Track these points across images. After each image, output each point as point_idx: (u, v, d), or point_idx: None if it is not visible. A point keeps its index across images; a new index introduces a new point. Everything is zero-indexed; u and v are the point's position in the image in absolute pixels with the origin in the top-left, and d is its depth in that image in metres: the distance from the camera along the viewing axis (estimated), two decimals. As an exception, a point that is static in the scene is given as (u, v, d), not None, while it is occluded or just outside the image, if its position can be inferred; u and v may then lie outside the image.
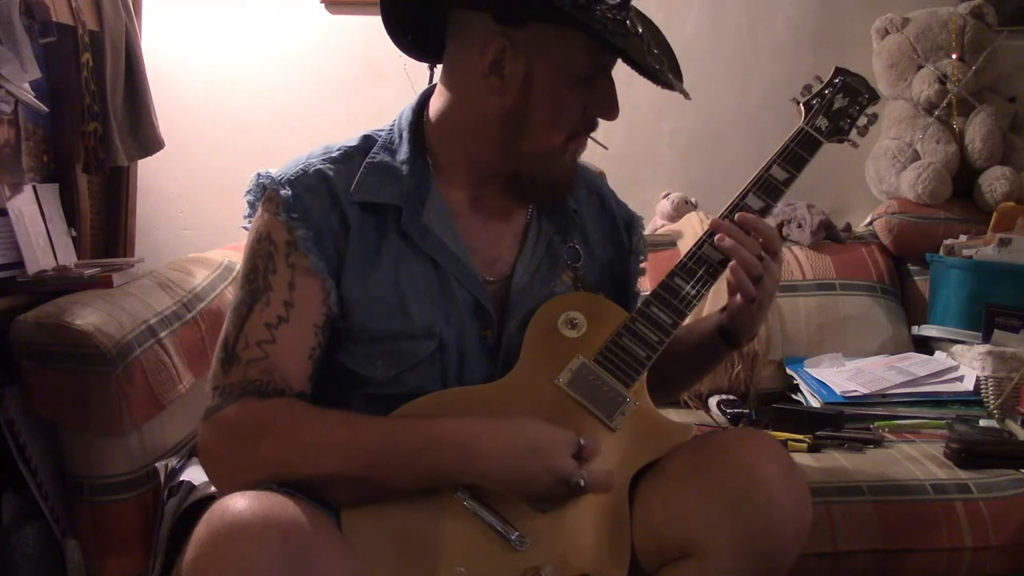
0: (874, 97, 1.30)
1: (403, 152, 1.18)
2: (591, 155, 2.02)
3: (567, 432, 1.07)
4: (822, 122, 1.26)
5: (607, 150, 1.34)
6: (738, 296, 1.19)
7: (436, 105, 1.19)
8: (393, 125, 1.22)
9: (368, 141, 1.20)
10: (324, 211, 1.12)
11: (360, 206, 1.14)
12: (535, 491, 1.06)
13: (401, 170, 1.16)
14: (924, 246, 2.20)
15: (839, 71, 1.30)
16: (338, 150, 1.18)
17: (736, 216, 1.18)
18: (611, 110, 1.15)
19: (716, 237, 1.17)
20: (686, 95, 1.16)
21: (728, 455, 1.09)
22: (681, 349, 1.28)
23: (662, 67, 1.12)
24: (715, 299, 1.80)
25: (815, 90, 1.29)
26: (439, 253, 1.15)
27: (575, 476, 1.04)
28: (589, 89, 1.13)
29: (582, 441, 1.06)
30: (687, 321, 1.19)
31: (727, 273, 1.18)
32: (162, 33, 2.29)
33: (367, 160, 1.17)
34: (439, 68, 1.21)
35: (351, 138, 1.21)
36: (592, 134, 1.19)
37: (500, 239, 1.22)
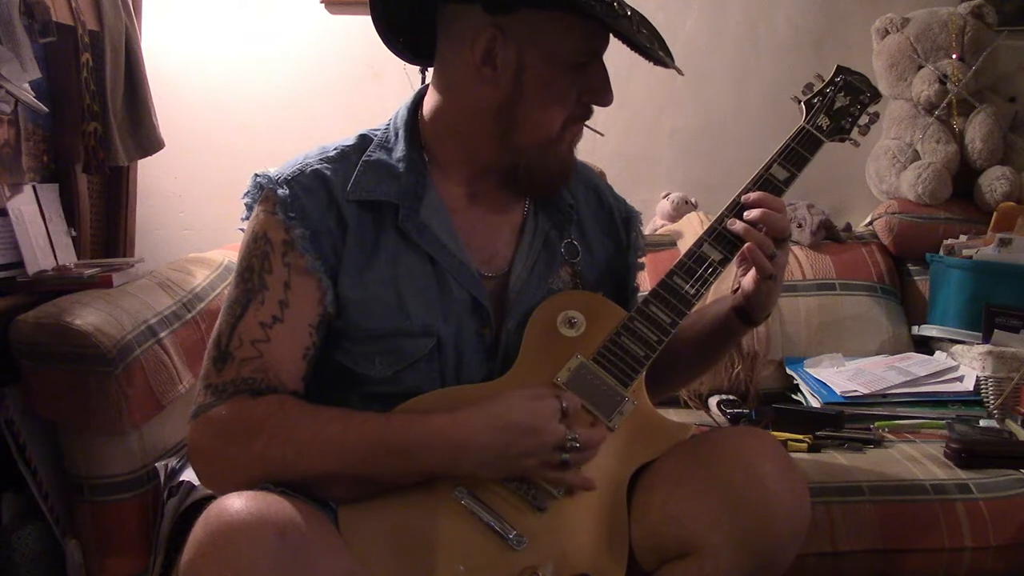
0: (876, 96, 1.30)
1: (399, 150, 1.18)
2: (591, 154, 2.04)
3: (549, 400, 1.07)
4: (823, 121, 1.26)
5: (604, 136, 1.33)
6: (751, 275, 1.19)
7: (430, 102, 1.19)
8: (389, 124, 1.22)
9: (364, 140, 1.20)
10: (321, 211, 1.12)
11: (358, 204, 1.14)
12: (532, 465, 1.06)
13: (398, 167, 1.16)
14: (924, 246, 2.20)
15: (840, 69, 1.30)
16: (335, 150, 1.18)
17: (745, 198, 1.19)
18: (605, 95, 1.15)
19: (728, 221, 1.18)
20: (679, 71, 1.16)
21: (726, 453, 1.09)
22: (692, 336, 1.29)
23: (652, 46, 1.12)
24: (714, 297, 1.80)
25: (816, 89, 1.30)
26: (437, 250, 1.15)
27: (567, 440, 1.05)
28: (582, 75, 1.13)
29: (564, 405, 1.07)
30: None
31: (736, 258, 1.19)
32: (162, 33, 2.29)
33: (364, 158, 1.17)
34: (431, 71, 1.21)
35: (347, 138, 1.21)
36: (588, 123, 1.19)
37: (497, 235, 1.22)
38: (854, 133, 1.29)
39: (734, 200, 1.21)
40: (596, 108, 1.18)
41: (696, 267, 1.18)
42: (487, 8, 1.10)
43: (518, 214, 1.24)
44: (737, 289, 1.24)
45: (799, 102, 1.29)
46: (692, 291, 1.17)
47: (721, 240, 1.19)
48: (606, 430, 1.12)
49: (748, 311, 1.23)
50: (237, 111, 2.36)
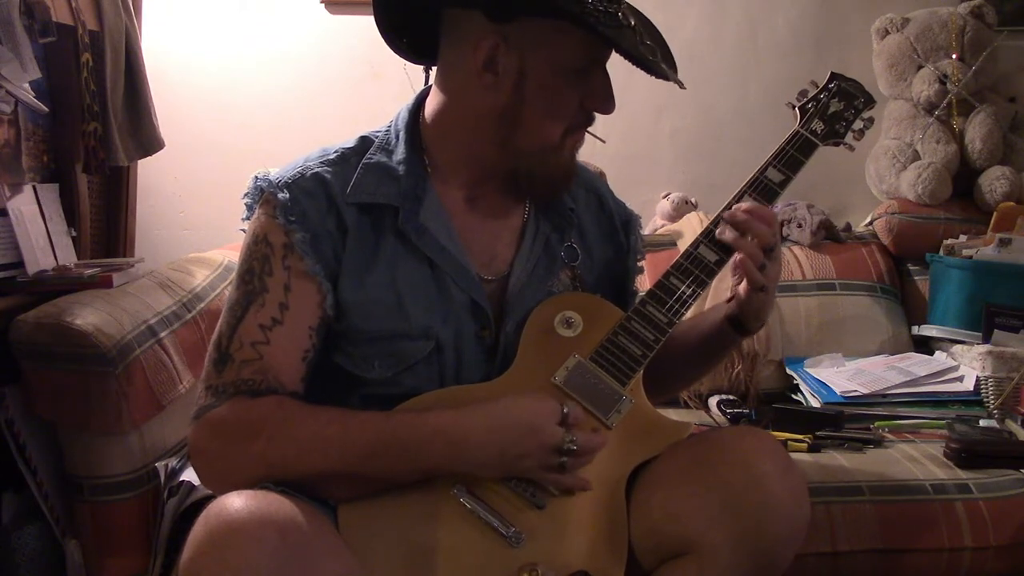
0: (869, 101, 1.31)
1: (400, 152, 1.18)
2: (591, 155, 2.04)
3: (550, 402, 1.08)
4: (818, 125, 1.27)
5: (605, 143, 1.33)
6: (743, 285, 1.19)
7: (432, 105, 1.19)
8: (390, 126, 1.22)
9: (365, 142, 1.20)
10: (321, 214, 1.13)
11: (357, 207, 1.14)
12: (530, 466, 1.06)
13: (398, 170, 1.16)
14: (924, 246, 2.20)
15: (834, 76, 1.32)
16: (335, 152, 1.18)
17: (729, 213, 1.19)
18: (607, 103, 1.15)
19: (718, 230, 1.18)
20: (681, 85, 1.16)
21: (725, 452, 1.09)
22: (688, 341, 1.29)
23: (655, 57, 1.12)
24: (714, 298, 1.81)
25: (811, 94, 1.31)
26: (436, 253, 1.15)
27: (566, 443, 1.05)
28: (584, 82, 1.13)
29: (565, 409, 1.07)
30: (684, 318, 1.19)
31: (729, 267, 1.19)
32: (162, 33, 2.29)
33: (364, 161, 1.17)
34: (435, 69, 1.21)
35: (348, 140, 1.21)
36: (589, 128, 1.19)
37: (497, 238, 1.22)
38: (848, 137, 1.29)
39: (728, 204, 1.21)
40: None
41: (692, 268, 1.19)
42: (489, 15, 1.09)
43: (518, 217, 1.24)
44: (732, 298, 1.24)
45: (794, 107, 1.30)
46: (688, 291, 1.17)
47: (716, 242, 1.19)
48: (605, 437, 1.11)
49: (742, 320, 1.23)
50: (237, 111, 2.36)
